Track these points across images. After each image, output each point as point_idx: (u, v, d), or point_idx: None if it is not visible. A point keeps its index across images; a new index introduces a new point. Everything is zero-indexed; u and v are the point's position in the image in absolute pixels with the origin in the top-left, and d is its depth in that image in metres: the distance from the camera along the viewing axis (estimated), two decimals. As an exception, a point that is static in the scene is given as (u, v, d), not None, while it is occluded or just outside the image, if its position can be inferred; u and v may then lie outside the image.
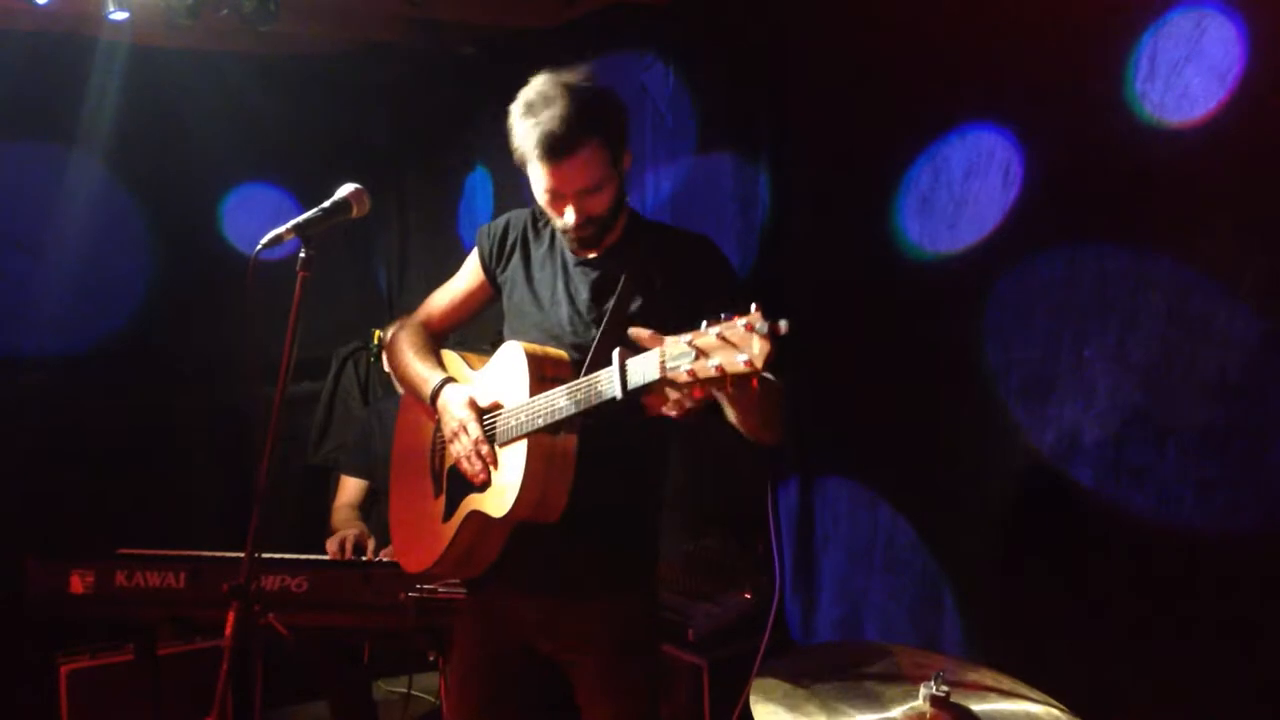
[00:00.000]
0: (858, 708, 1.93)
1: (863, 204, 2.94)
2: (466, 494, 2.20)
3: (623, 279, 2.18)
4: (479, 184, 4.63)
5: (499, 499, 2.10)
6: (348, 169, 2.52)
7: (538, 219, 2.37)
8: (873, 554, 2.98)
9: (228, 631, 2.04)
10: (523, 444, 2.06)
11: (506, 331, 2.38)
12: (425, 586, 2.99)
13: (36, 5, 3.26)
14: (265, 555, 3.12)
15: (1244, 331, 2.13)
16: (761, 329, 1.61)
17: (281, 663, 3.52)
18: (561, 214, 2.13)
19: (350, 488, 3.84)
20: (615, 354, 1.86)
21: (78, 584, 3.17)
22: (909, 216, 2.81)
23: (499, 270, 2.40)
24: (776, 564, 3.25)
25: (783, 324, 1.61)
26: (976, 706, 1.91)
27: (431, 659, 4.11)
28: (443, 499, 2.28)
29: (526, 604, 2.28)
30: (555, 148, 2.04)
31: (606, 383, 1.90)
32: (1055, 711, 1.92)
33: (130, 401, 4.34)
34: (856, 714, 1.91)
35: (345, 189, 2.21)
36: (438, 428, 2.32)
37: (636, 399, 1.87)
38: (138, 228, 4.34)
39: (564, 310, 2.26)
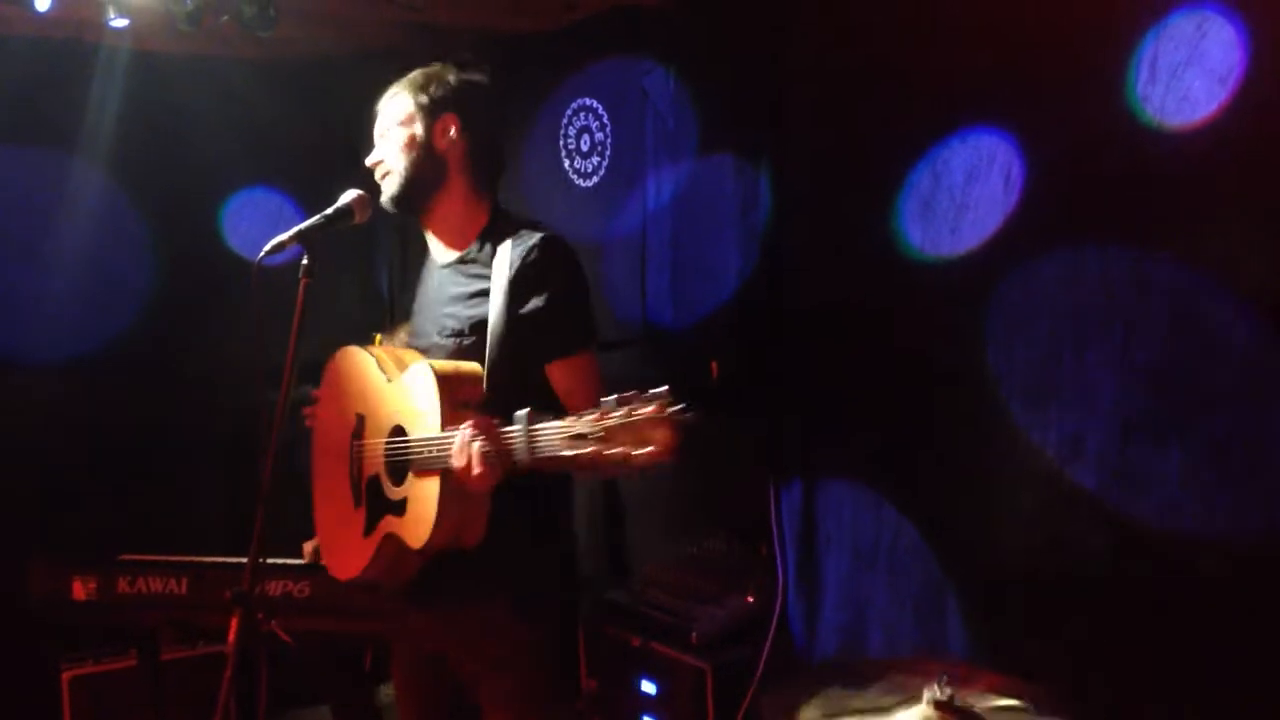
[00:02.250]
0: (862, 711, 1.94)
1: (864, 207, 2.94)
2: (385, 513, 2.16)
3: (490, 284, 2.19)
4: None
5: (416, 529, 2.07)
6: (349, 173, 2.53)
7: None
8: (876, 557, 2.98)
9: (231, 639, 2.04)
10: (436, 478, 2.02)
11: None
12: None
13: (37, 11, 3.26)
14: (268, 560, 3.11)
15: (1247, 336, 2.14)
16: (670, 416, 1.63)
17: (285, 668, 3.52)
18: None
19: None
20: (524, 415, 1.85)
21: (79, 590, 3.16)
22: (910, 220, 2.81)
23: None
24: (779, 567, 3.25)
25: (689, 414, 1.63)
26: (981, 708, 1.92)
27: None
28: (363, 512, 2.23)
29: (429, 610, 2.28)
30: (379, 102, 2.36)
31: (518, 443, 1.87)
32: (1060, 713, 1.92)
33: (132, 407, 4.33)
34: (860, 717, 1.92)
35: (348, 195, 2.22)
36: (357, 432, 2.29)
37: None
38: (140, 233, 4.33)
39: (419, 318, 2.34)
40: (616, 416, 1.66)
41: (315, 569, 3.21)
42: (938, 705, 1.88)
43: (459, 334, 2.21)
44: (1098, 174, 2.39)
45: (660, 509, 3.85)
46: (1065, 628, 2.48)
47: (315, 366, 4.59)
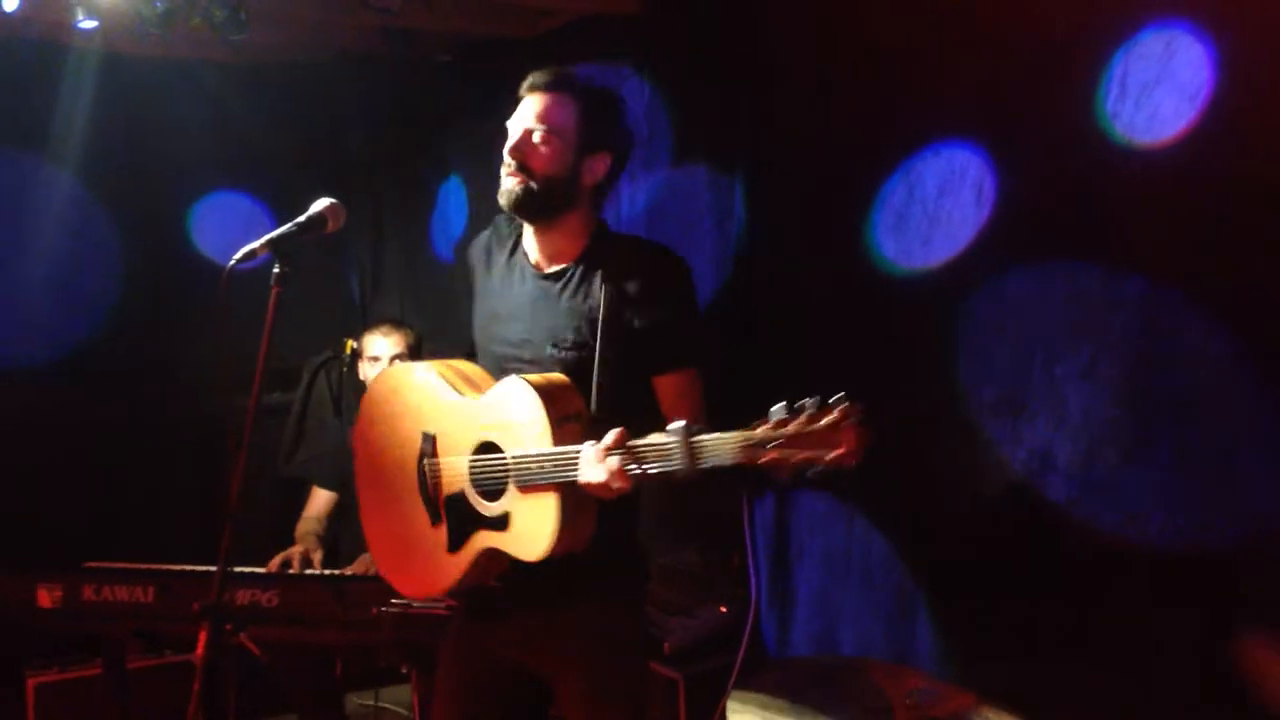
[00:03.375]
0: (832, 724, 1.95)
1: (838, 219, 2.96)
2: (475, 528, 2.16)
3: (603, 294, 2.16)
4: (453, 193, 4.62)
5: (530, 544, 2.06)
6: (322, 178, 2.51)
7: (501, 230, 2.38)
8: (848, 568, 2.99)
9: (199, 651, 2.02)
10: (551, 491, 2.02)
11: (477, 346, 2.39)
12: (399, 601, 2.97)
13: (5, 12, 3.22)
14: (237, 569, 3.10)
15: (1213, 350, 2.16)
16: (850, 424, 1.65)
17: (253, 676, 3.49)
18: (506, 149, 2.22)
19: (320, 500, 3.81)
20: (680, 428, 1.84)
21: (45, 598, 3.13)
22: (883, 232, 2.83)
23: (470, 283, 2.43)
24: (752, 578, 3.25)
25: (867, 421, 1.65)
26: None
27: (404, 672, 4.10)
28: (444, 529, 2.22)
29: (511, 619, 2.27)
30: (538, 80, 2.20)
31: (676, 456, 1.85)
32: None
33: (101, 413, 4.29)
34: (831, 732, 1.93)
35: (320, 204, 2.20)
36: (428, 451, 2.27)
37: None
38: (110, 237, 4.28)
39: (519, 326, 2.27)
40: (797, 423, 1.67)
41: (284, 578, 3.20)
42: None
43: (577, 346, 2.17)
44: (1068, 189, 2.41)
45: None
46: (1035, 640, 2.49)
47: (284, 374, 4.59)
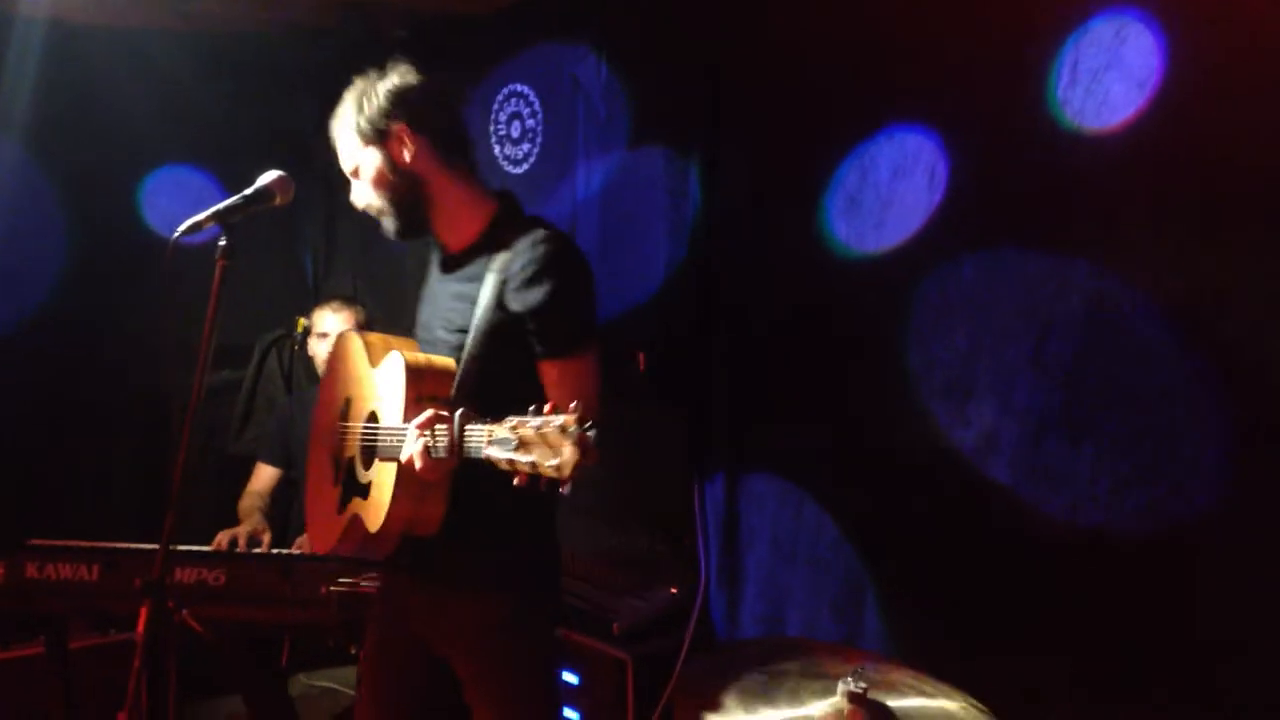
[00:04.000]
0: (777, 704, 1.95)
1: (793, 201, 2.96)
2: (354, 494, 2.21)
3: (486, 279, 2.15)
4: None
5: (374, 514, 2.10)
6: (274, 153, 2.49)
7: None
8: (796, 550, 3.01)
9: (140, 628, 2.00)
10: (394, 466, 2.04)
11: None
12: (347, 581, 2.96)
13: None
14: (182, 548, 3.06)
15: (1159, 334, 2.19)
16: (573, 434, 1.61)
17: (196, 657, 3.45)
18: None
19: (264, 475, 3.77)
20: (458, 415, 1.87)
21: (-14, 576, 3.07)
22: (837, 215, 2.84)
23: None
24: (701, 559, 3.26)
25: (591, 434, 1.62)
26: (894, 703, 1.94)
27: (353, 653, 4.07)
28: (339, 490, 2.29)
29: (415, 591, 2.27)
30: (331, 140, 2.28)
31: (442, 442, 1.91)
32: (974, 710, 1.96)
33: (46, 388, 4.22)
34: (776, 710, 1.93)
35: (268, 176, 2.17)
36: (344, 414, 2.34)
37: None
38: (56, 210, 4.21)
39: (426, 308, 2.33)
40: (530, 426, 1.66)
41: (230, 556, 3.16)
42: (851, 698, 1.90)
43: (462, 330, 2.16)
44: (1019, 174, 2.43)
45: (584, 500, 3.85)
46: (979, 623, 2.52)
47: (235, 350, 4.54)
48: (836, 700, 1.92)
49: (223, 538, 3.33)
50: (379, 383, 2.21)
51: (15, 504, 3.94)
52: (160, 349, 4.20)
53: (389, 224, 2.25)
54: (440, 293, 2.28)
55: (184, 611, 2.61)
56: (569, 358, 2.13)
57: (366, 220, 5.04)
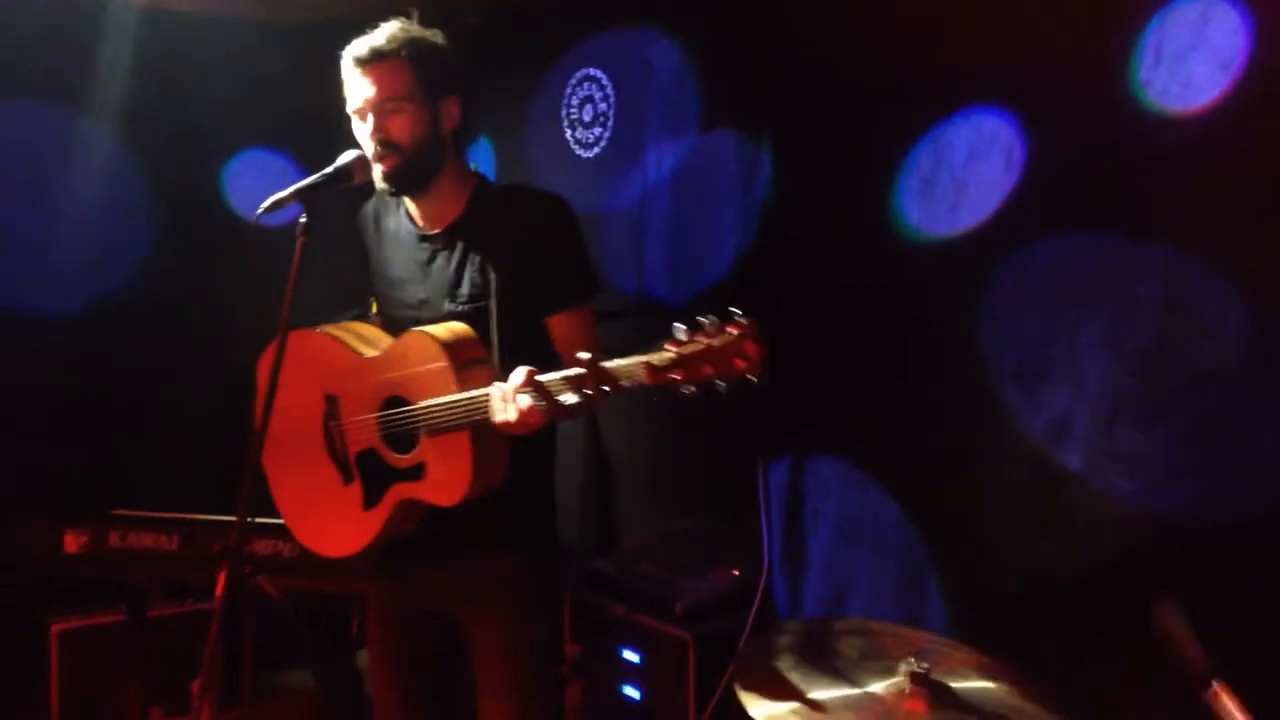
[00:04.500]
0: (839, 683, 1.95)
1: (865, 184, 2.94)
2: (391, 481, 2.19)
3: (493, 244, 2.21)
4: (481, 154, 4.63)
5: (448, 489, 2.09)
6: (352, 137, 2.52)
7: (386, 196, 2.40)
8: (860, 533, 3.00)
9: (218, 591, 2.06)
10: (463, 435, 2.06)
11: (382, 310, 2.47)
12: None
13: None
14: (259, 520, 3.13)
15: (1236, 320, 2.14)
16: (750, 335, 1.67)
17: (269, 629, 3.54)
18: (363, 134, 2.22)
19: None
20: (586, 359, 1.85)
21: (72, 544, 3.18)
22: (910, 198, 2.81)
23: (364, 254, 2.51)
24: (765, 541, 3.26)
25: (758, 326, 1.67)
26: (957, 685, 1.93)
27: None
28: (357, 485, 2.25)
29: (422, 572, 2.32)
30: (363, 56, 2.19)
31: (584, 388, 1.87)
32: (1038, 695, 1.94)
33: (129, 364, 4.34)
34: (837, 689, 1.93)
35: (347, 155, 2.22)
36: (330, 410, 2.30)
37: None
38: (144, 191, 4.33)
39: (416, 288, 2.31)
40: (697, 342, 1.70)
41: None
42: (913, 678, 1.90)
43: (474, 298, 2.22)
44: (1098, 156, 2.39)
45: (648, 482, 3.87)
46: (1047, 609, 2.49)
47: (313, 328, 4.61)
48: (898, 680, 1.92)
49: None
50: (396, 365, 2.18)
51: (100, 476, 4.07)
52: (239, 328, 4.30)
53: (393, 166, 2.20)
54: (430, 267, 2.29)
55: (260, 578, 2.68)
56: (581, 305, 2.26)
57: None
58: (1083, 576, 2.41)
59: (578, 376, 1.86)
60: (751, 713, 1.87)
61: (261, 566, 3.03)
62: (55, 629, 3.89)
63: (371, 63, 2.18)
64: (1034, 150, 2.53)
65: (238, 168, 4.47)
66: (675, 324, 1.72)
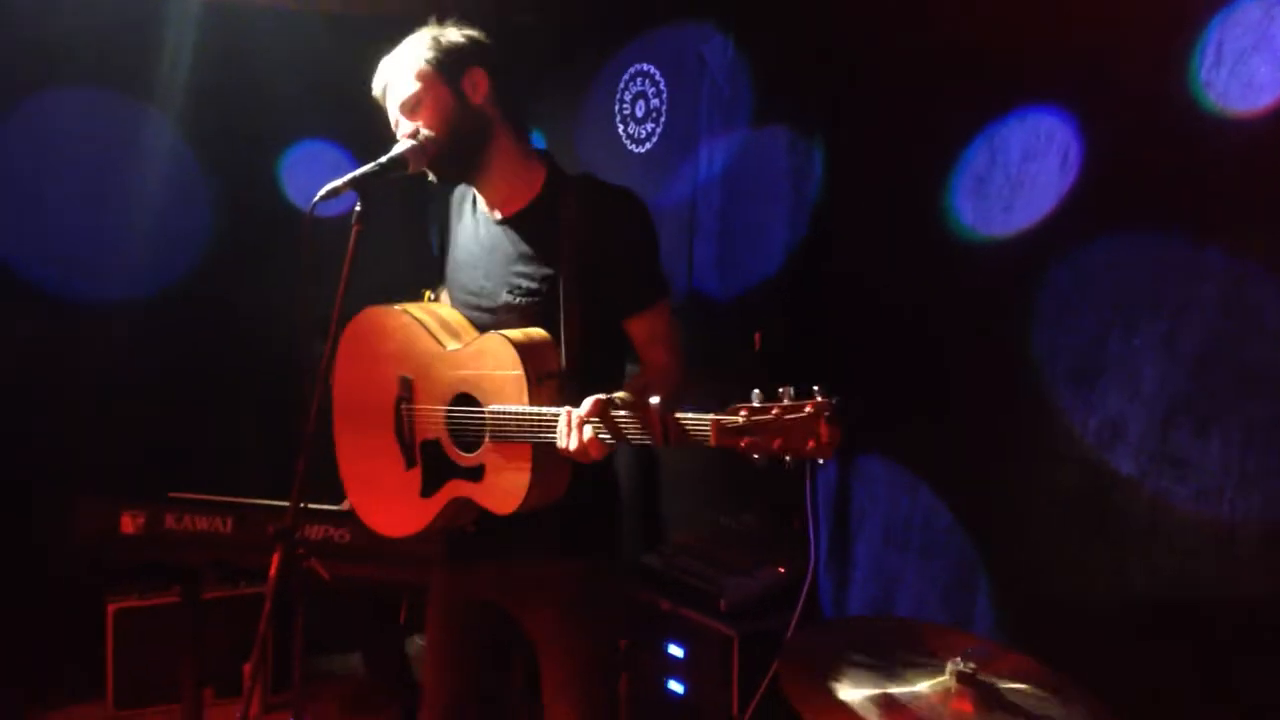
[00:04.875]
0: (884, 681, 1.95)
1: (917, 182, 2.92)
2: (450, 476, 2.19)
3: (563, 238, 2.18)
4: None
5: (503, 498, 2.09)
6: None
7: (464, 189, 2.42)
8: (909, 536, 2.98)
9: (272, 573, 2.09)
10: (526, 448, 2.05)
11: (449, 292, 2.45)
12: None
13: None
14: (310, 505, 3.18)
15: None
16: (826, 414, 1.65)
17: (320, 613, 3.59)
18: (404, 137, 2.23)
19: None
20: (657, 405, 1.83)
21: (128, 524, 3.24)
22: (963, 196, 2.79)
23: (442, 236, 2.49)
24: (811, 541, 3.26)
25: (840, 409, 1.65)
26: (1004, 686, 1.92)
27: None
28: (418, 473, 2.26)
29: (485, 566, 2.32)
30: (377, 93, 2.29)
31: (649, 433, 1.86)
32: (1089, 699, 1.92)
33: (186, 350, 4.43)
34: (882, 687, 1.93)
35: (402, 145, 2.24)
36: (404, 392, 2.30)
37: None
38: (204, 180, 4.42)
39: (478, 274, 2.29)
40: (774, 414, 1.68)
41: (355, 516, 3.27)
42: (960, 678, 1.89)
43: (533, 293, 2.19)
44: (1156, 157, 2.35)
45: (696, 478, 3.88)
46: (1097, 615, 2.47)
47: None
48: (945, 680, 1.91)
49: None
50: (470, 365, 2.17)
51: (157, 459, 4.16)
52: (293, 317, 4.37)
53: (434, 157, 2.21)
54: (495, 256, 2.27)
55: (312, 560, 2.72)
56: (656, 305, 2.22)
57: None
58: (1134, 582, 2.38)
59: (644, 419, 1.85)
60: (797, 710, 1.87)
61: (313, 551, 3.08)
62: (111, 608, 3.99)
63: (390, 74, 2.26)
64: (1091, 150, 2.49)
65: (293, 158, 4.54)
66: (753, 390, 1.70)
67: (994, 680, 1.93)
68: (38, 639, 4.11)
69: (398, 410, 2.31)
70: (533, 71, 4.62)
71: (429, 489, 2.24)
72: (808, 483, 3.30)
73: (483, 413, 2.11)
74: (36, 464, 4.12)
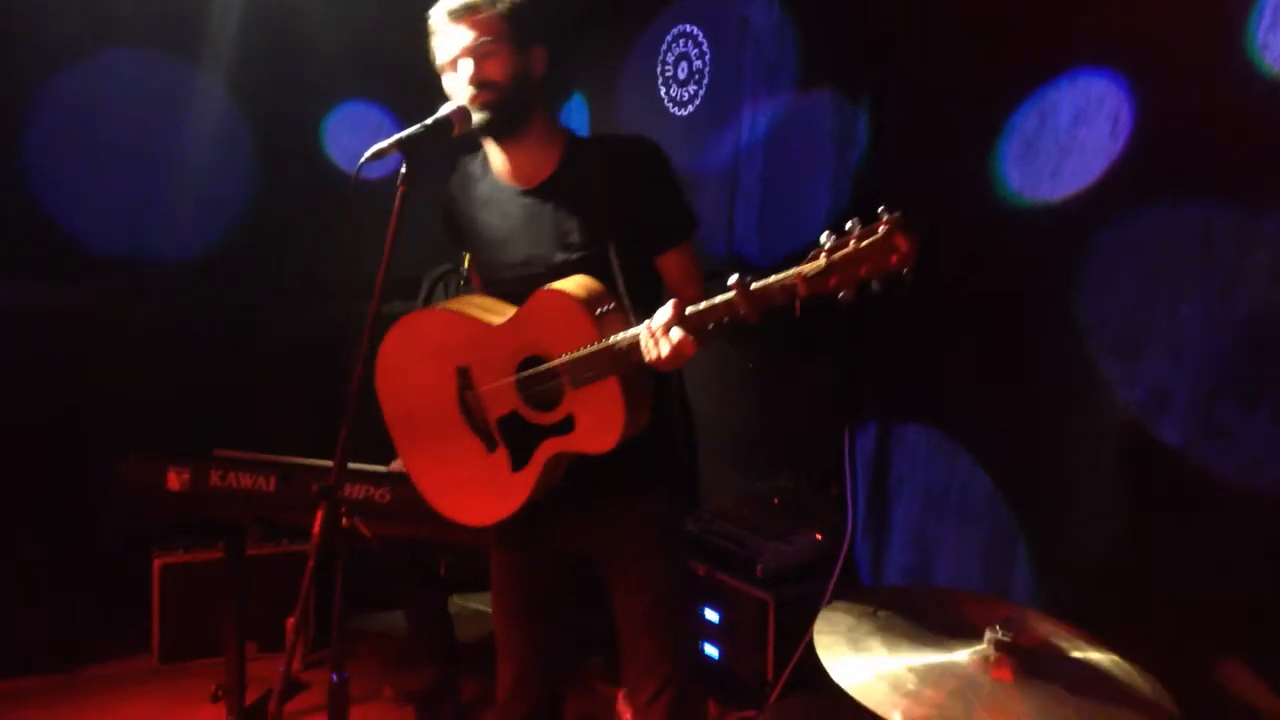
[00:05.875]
0: (921, 648, 1.94)
1: (963, 148, 2.88)
2: (538, 440, 2.22)
3: (597, 191, 2.25)
4: (575, 112, 4.65)
5: (601, 436, 2.12)
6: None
7: (467, 167, 2.46)
8: (947, 503, 2.97)
9: (315, 530, 2.12)
10: (612, 381, 2.09)
11: (482, 279, 2.49)
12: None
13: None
14: (354, 466, 3.22)
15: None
16: (898, 225, 1.70)
17: (363, 572, 3.64)
18: (459, 82, 2.23)
19: None
20: (735, 280, 1.86)
21: (174, 481, 3.29)
22: (1011, 162, 2.75)
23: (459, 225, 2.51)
24: (849, 507, 3.26)
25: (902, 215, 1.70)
26: (1042, 655, 1.91)
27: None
28: (502, 451, 2.28)
29: (566, 509, 2.36)
30: (456, 9, 2.23)
31: (737, 309, 1.88)
32: (1124, 665, 1.92)
33: (233, 311, 4.49)
34: (920, 654, 1.93)
35: (448, 107, 2.25)
36: (464, 382, 2.31)
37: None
38: (249, 142, 4.45)
39: (520, 245, 2.33)
40: (850, 245, 1.74)
41: (396, 476, 3.30)
42: (998, 646, 1.88)
43: (585, 245, 2.25)
44: (1210, 122, 2.31)
45: (734, 444, 3.88)
46: (1139, 586, 2.45)
47: (403, 283, 4.70)
48: (984, 649, 1.90)
49: (398, 463, 3.49)
50: (523, 329, 2.20)
51: (202, 417, 4.22)
52: (341, 276, 4.41)
53: (490, 108, 2.23)
54: (536, 224, 2.31)
55: (355, 519, 2.74)
56: (687, 241, 2.32)
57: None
58: (1175, 553, 2.36)
59: (727, 301, 1.89)
60: (834, 676, 1.87)
61: (355, 510, 3.11)
62: (157, 563, 4.07)
63: (465, 13, 2.24)
64: (1142, 114, 2.45)
65: (337, 120, 4.56)
66: (823, 234, 1.74)
67: (1033, 648, 1.92)
68: (86, 593, 4.20)
69: (463, 401, 2.33)
70: (575, 32, 4.60)
71: (519, 461, 2.27)
72: (845, 449, 3.29)
73: (554, 365, 2.15)
74: (86, 422, 4.20)
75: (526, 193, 2.34)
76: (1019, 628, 1.92)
